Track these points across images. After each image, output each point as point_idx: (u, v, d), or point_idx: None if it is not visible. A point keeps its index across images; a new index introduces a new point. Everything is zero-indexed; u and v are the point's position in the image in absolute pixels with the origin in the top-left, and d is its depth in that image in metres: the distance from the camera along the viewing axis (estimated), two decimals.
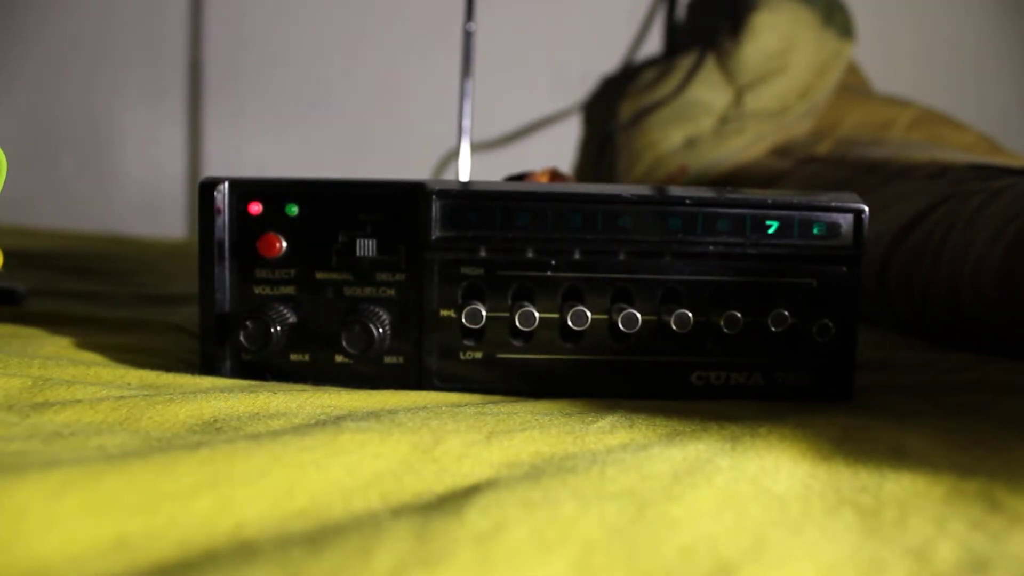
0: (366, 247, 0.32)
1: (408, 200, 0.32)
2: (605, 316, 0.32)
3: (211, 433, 0.23)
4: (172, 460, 0.18)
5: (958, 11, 1.05)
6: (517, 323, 0.31)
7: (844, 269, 0.32)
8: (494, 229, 0.31)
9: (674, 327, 0.31)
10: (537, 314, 0.31)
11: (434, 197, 0.31)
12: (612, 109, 0.97)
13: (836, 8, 0.90)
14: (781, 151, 0.86)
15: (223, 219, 0.32)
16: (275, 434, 0.22)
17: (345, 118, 0.98)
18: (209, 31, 0.96)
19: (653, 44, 1.02)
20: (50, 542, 0.15)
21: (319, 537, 0.16)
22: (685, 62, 0.92)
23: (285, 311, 0.32)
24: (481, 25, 0.63)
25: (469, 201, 0.31)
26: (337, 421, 0.25)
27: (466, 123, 0.59)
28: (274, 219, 0.32)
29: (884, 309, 0.53)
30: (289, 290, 0.32)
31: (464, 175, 0.58)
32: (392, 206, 0.32)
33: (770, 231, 0.31)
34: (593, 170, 0.97)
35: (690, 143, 0.88)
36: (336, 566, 0.14)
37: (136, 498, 0.17)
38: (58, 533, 0.15)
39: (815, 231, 0.31)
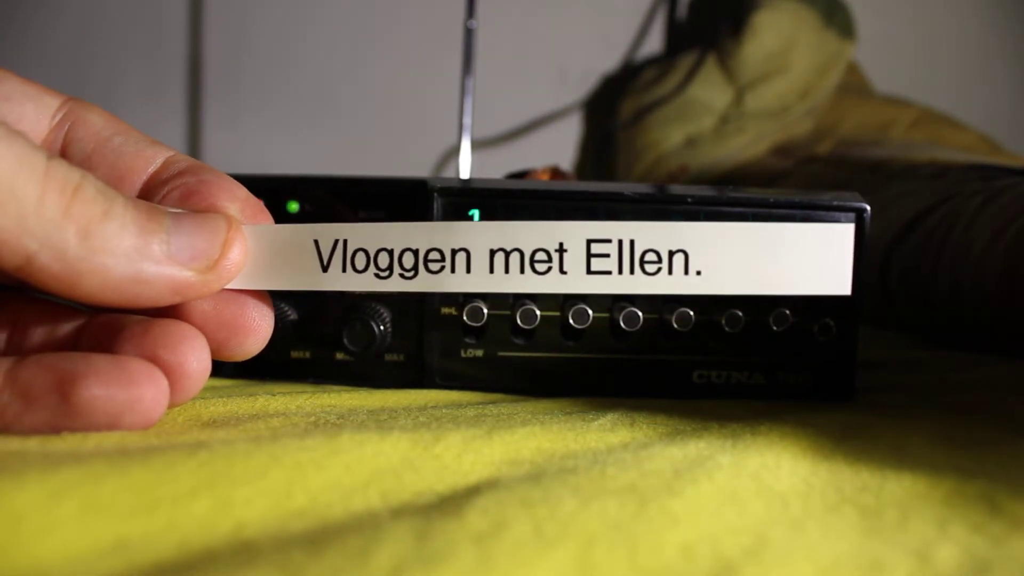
0: None
1: (409, 197, 0.32)
2: (607, 314, 0.32)
3: (210, 434, 0.23)
4: (171, 461, 0.18)
5: (959, 12, 1.05)
6: (519, 321, 0.31)
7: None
8: None
9: (676, 326, 0.31)
10: (539, 312, 0.31)
11: (436, 195, 0.31)
12: (613, 108, 0.97)
13: (837, 8, 0.91)
14: (781, 151, 0.86)
15: None
16: (274, 434, 0.22)
17: (345, 115, 0.98)
18: (209, 27, 0.95)
19: (654, 43, 1.02)
20: (49, 545, 0.15)
21: (319, 537, 0.16)
22: (686, 61, 0.92)
23: (286, 308, 0.32)
24: (482, 22, 0.63)
25: (470, 199, 0.31)
26: (337, 420, 0.25)
27: (467, 120, 0.59)
28: (274, 216, 0.32)
29: (885, 309, 0.53)
30: None
31: (465, 173, 0.58)
32: (393, 203, 0.32)
33: None
34: (594, 168, 0.97)
35: (690, 142, 0.89)
36: (336, 566, 0.14)
37: (135, 500, 0.17)
38: (57, 536, 0.15)
39: None
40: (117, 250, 0.20)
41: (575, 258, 0.23)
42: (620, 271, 0.23)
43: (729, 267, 0.23)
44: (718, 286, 0.23)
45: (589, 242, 0.23)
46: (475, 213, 0.31)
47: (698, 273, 0.23)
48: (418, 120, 0.96)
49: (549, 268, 0.23)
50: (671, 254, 0.23)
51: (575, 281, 0.23)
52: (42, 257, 0.20)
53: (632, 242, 0.23)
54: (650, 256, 0.23)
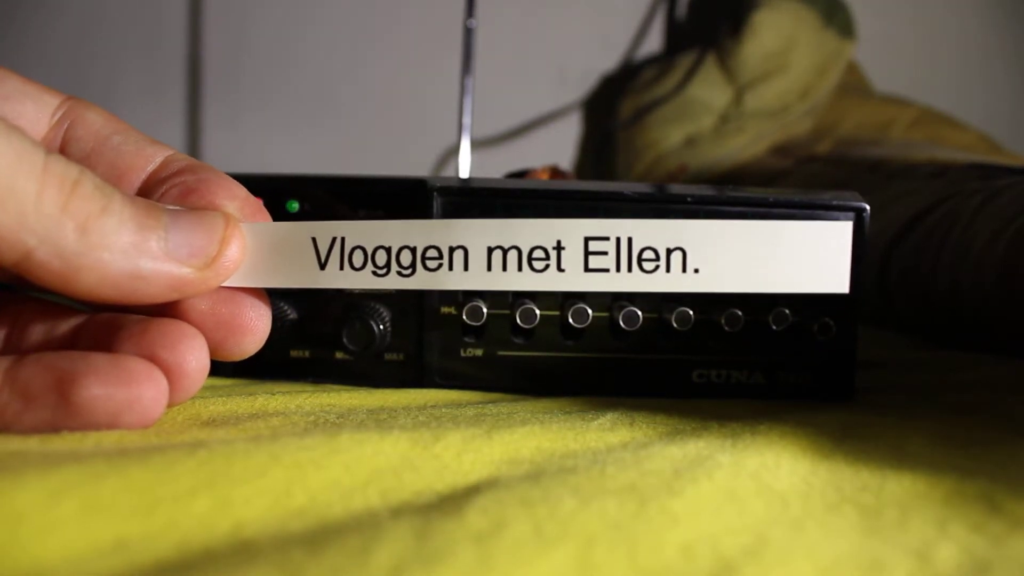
0: None
1: (409, 197, 0.32)
2: (606, 313, 0.32)
3: (209, 433, 0.23)
4: (170, 461, 0.18)
5: (959, 12, 1.05)
6: (518, 320, 0.31)
7: None
8: None
9: (675, 325, 0.31)
10: (538, 311, 0.31)
11: (435, 194, 0.31)
12: (612, 107, 0.97)
13: (837, 8, 0.90)
14: (781, 150, 0.86)
15: None
16: (274, 433, 0.22)
17: (345, 115, 0.98)
18: (209, 26, 0.95)
19: (654, 42, 1.02)
20: (49, 545, 0.15)
21: (318, 537, 0.16)
22: (685, 61, 0.92)
23: (285, 307, 0.32)
24: (482, 22, 0.63)
25: (470, 198, 0.31)
26: (336, 420, 0.25)
27: (466, 120, 0.59)
28: (274, 215, 0.32)
29: (884, 308, 0.53)
30: None
31: (464, 172, 0.58)
32: (393, 202, 0.32)
33: None
34: (593, 168, 0.97)
35: (690, 142, 0.88)
36: (335, 566, 0.14)
37: (135, 500, 0.16)
38: (57, 536, 0.15)
39: None
40: (115, 246, 0.20)
41: (573, 256, 0.23)
42: (618, 269, 0.23)
43: (727, 265, 0.23)
44: (716, 284, 0.23)
45: (587, 240, 0.23)
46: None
47: (696, 271, 0.23)
48: (418, 120, 0.96)
49: (547, 266, 0.23)
50: (669, 252, 0.23)
51: (573, 279, 0.23)
52: (40, 253, 0.20)
53: (630, 240, 0.23)
54: (648, 254, 0.23)
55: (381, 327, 0.31)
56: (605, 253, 0.23)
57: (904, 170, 0.64)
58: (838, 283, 0.23)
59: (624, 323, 0.31)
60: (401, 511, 0.17)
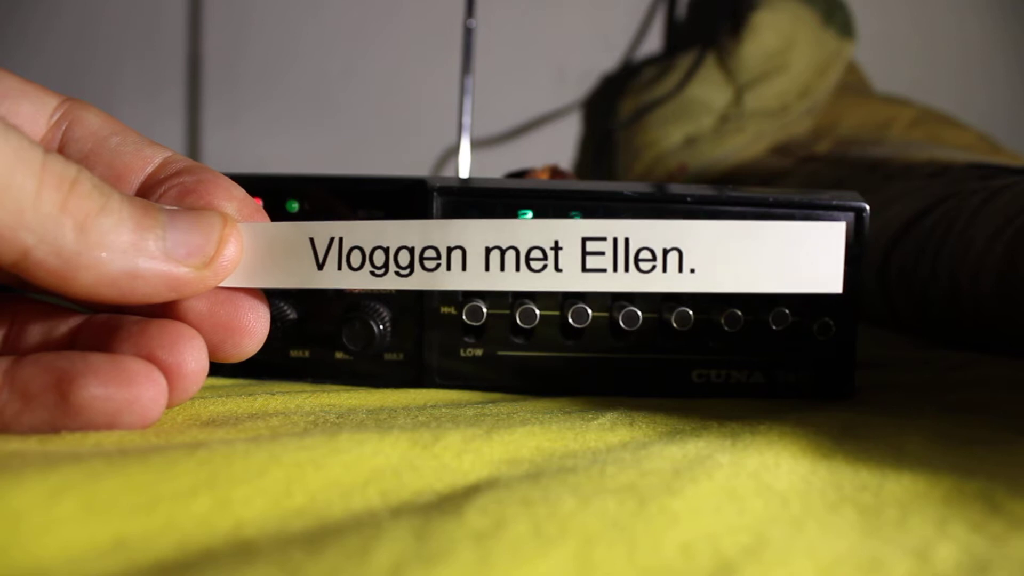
0: None
1: (409, 196, 0.32)
2: (606, 313, 0.32)
3: (209, 433, 0.23)
4: (170, 461, 0.18)
5: (959, 12, 1.05)
6: (518, 320, 0.31)
7: (845, 267, 0.32)
8: None
9: (675, 325, 0.31)
10: (538, 311, 0.31)
11: (435, 194, 0.31)
12: (612, 107, 0.97)
13: (837, 7, 0.91)
14: (781, 150, 0.86)
15: None
16: (274, 433, 0.22)
17: (344, 114, 0.98)
18: (208, 25, 0.95)
19: (653, 42, 1.02)
20: (48, 544, 0.15)
21: (318, 536, 0.16)
22: (685, 60, 0.92)
23: (285, 307, 0.32)
24: (482, 22, 0.63)
25: (470, 198, 0.31)
26: (336, 419, 0.25)
27: (466, 120, 0.59)
28: (274, 215, 0.32)
29: (884, 308, 0.53)
30: None
31: (464, 172, 0.58)
32: (393, 202, 0.32)
33: None
34: (593, 168, 0.97)
35: (690, 141, 0.88)
36: (335, 565, 0.14)
37: (134, 499, 0.16)
38: (56, 535, 0.15)
39: None
40: (113, 245, 0.20)
41: (570, 256, 0.23)
42: (615, 269, 0.23)
43: (723, 265, 0.23)
44: (712, 284, 0.23)
45: (584, 240, 0.23)
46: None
47: (692, 271, 0.23)
48: (417, 119, 0.96)
49: (545, 266, 0.23)
50: (665, 252, 0.23)
51: (570, 279, 0.23)
52: (39, 252, 0.20)
53: (627, 240, 0.23)
54: (644, 254, 0.23)
55: (381, 327, 0.31)
56: (602, 253, 0.23)
57: (904, 170, 0.64)
58: (832, 283, 0.23)
59: (624, 323, 0.31)
60: (401, 511, 0.17)
